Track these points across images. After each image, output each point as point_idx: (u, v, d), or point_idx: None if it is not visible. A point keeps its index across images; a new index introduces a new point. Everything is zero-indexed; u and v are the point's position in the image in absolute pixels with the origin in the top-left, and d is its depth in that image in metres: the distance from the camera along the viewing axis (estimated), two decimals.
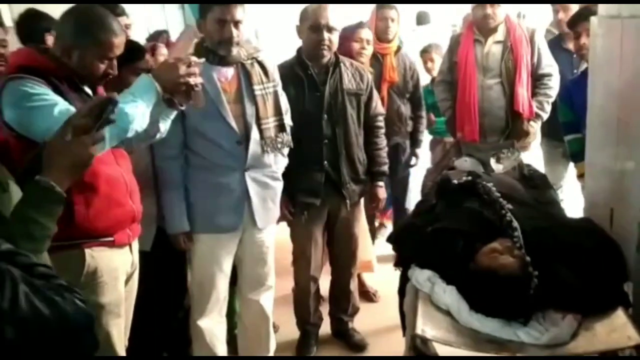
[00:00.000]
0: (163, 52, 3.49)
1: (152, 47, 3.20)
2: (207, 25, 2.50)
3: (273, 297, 2.97)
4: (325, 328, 3.46)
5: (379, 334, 3.43)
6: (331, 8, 2.92)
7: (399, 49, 3.99)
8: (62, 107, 1.91)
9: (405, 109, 4.02)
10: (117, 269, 2.21)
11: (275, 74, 2.72)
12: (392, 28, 3.90)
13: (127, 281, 2.31)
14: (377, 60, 3.91)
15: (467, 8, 4.04)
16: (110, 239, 2.15)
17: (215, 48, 2.53)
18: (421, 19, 6.56)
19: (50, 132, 1.87)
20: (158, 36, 10.19)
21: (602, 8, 2.40)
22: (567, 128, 3.15)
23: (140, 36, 9.97)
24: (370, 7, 4.05)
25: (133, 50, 2.16)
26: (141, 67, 2.63)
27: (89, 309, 1.12)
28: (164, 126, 2.27)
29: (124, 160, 2.23)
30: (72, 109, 1.93)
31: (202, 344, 2.77)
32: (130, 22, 4.06)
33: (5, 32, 3.01)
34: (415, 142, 4.16)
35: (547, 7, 6.70)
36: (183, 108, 2.23)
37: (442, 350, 1.84)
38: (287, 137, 2.73)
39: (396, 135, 3.98)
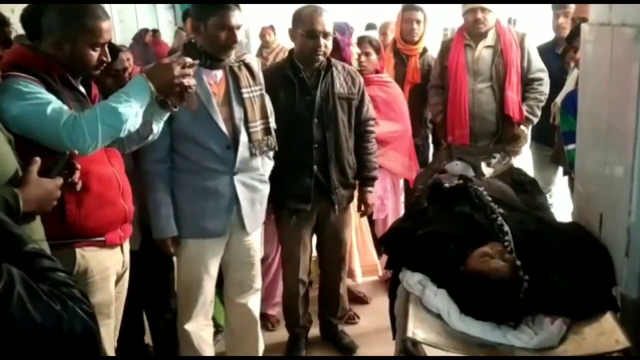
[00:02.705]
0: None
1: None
2: (207, 29, 2.47)
3: (260, 299, 2.98)
4: (315, 331, 3.46)
5: (369, 337, 3.44)
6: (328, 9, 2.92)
7: (424, 50, 4.04)
8: (55, 105, 1.92)
9: (427, 111, 4.08)
10: (107, 269, 2.20)
11: (260, 77, 2.72)
12: (418, 30, 4.00)
13: (117, 281, 2.30)
14: (402, 60, 3.98)
15: (457, 12, 4.09)
16: (102, 238, 2.15)
17: (215, 52, 2.51)
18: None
19: (43, 131, 1.87)
20: (144, 34, 10.23)
21: (593, 16, 2.43)
22: (568, 137, 3.17)
23: (130, 35, 9.97)
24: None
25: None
26: (116, 68, 2.63)
27: (90, 321, 1.12)
28: (157, 127, 2.27)
29: (116, 159, 2.23)
30: (65, 108, 1.94)
31: (189, 347, 2.76)
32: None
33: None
34: (437, 144, 4.20)
35: (539, 13, 6.73)
36: (176, 109, 2.22)
37: (432, 353, 1.84)
38: (273, 140, 2.72)
39: (415, 136, 4.03)
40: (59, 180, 1.75)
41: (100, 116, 1.94)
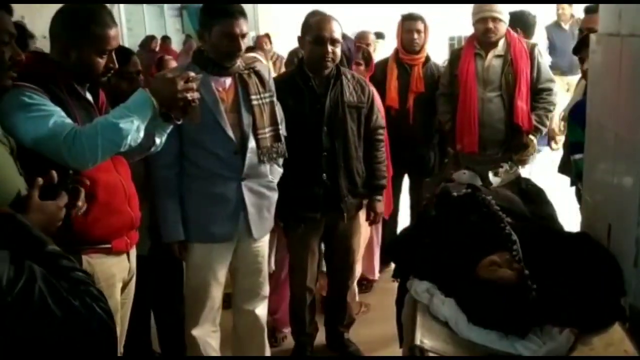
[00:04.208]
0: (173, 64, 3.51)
1: (159, 60, 3.19)
2: (212, 37, 2.49)
3: (267, 306, 2.98)
4: (321, 338, 3.45)
5: (374, 345, 3.43)
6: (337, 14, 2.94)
7: (427, 59, 4.04)
8: (57, 118, 1.91)
9: (432, 120, 4.09)
10: (114, 276, 2.20)
11: (271, 84, 2.73)
12: (418, 40, 4.01)
13: (123, 288, 2.31)
14: (405, 70, 3.99)
15: (463, 21, 4.12)
16: (108, 245, 2.15)
17: (220, 59, 2.53)
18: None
19: (44, 143, 1.87)
20: (151, 41, 10.27)
21: (601, 26, 2.43)
22: (576, 147, 3.18)
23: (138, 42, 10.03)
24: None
25: (118, 54, 2.16)
26: (129, 71, 2.64)
27: (107, 318, 1.14)
28: (159, 140, 2.26)
29: (123, 167, 2.23)
30: (68, 121, 1.93)
31: (196, 353, 2.76)
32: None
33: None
34: (443, 154, 4.21)
35: (543, 22, 6.75)
36: (179, 122, 2.21)
37: None
38: (282, 146, 2.73)
39: (421, 146, 4.05)
40: (62, 201, 1.66)
41: (101, 131, 1.92)
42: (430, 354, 1.82)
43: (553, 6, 7.43)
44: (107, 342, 1.15)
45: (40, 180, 1.60)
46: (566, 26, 7.00)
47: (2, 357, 1.04)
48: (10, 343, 1.03)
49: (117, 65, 2.14)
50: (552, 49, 7.50)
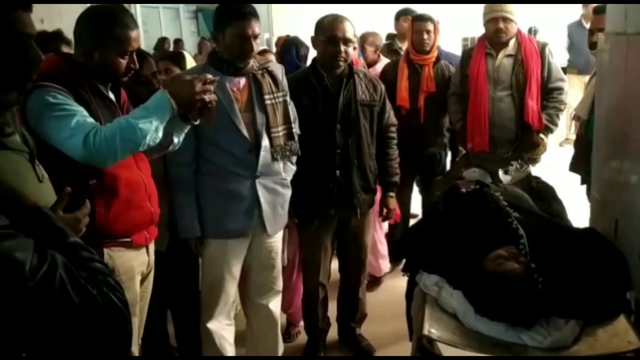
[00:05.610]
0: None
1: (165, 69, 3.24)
2: (225, 38, 2.54)
3: (280, 301, 3.03)
4: (333, 334, 3.50)
5: (386, 340, 3.46)
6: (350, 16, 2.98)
7: (437, 59, 4.09)
8: (79, 118, 1.97)
9: (443, 120, 4.11)
10: (133, 269, 2.26)
11: (284, 84, 2.78)
12: (428, 40, 4.03)
13: (142, 281, 2.36)
14: (416, 70, 4.03)
15: (477, 22, 4.14)
16: (128, 239, 2.21)
17: (234, 60, 2.59)
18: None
19: (66, 142, 1.93)
20: (164, 42, 10.34)
21: (608, 25, 2.47)
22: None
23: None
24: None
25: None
26: (145, 74, 2.69)
27: (123, 307, 1.18)
28: (177, 139, 2.31)
29: (144, 164, 2.28)
30: (90, 120, 1.99)
31: (211, 346, 2.82)
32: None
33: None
34: (454, 153, 4.24)
35: (560, 23, 6.73)
36: (197, 123, 2.27)
37: (447, 352, 1.89)
38: (295, 145, 2.78)
39: (432, 145, 4.07)
40: (81, 213, 1.59)
41: (120, 132, 1.97)
42: (438, 344, 1.87)
43: (579, 5, 7.44)
44: (122, 331, 1.19)
45: (68, 190, 1.54)
46: (587, 25, 7.02)
47: (21, 341, 1.08)
48: (30, 327, 1.07)
49: (137, 66, 2.20)
50: (572, 47, 7.49)
